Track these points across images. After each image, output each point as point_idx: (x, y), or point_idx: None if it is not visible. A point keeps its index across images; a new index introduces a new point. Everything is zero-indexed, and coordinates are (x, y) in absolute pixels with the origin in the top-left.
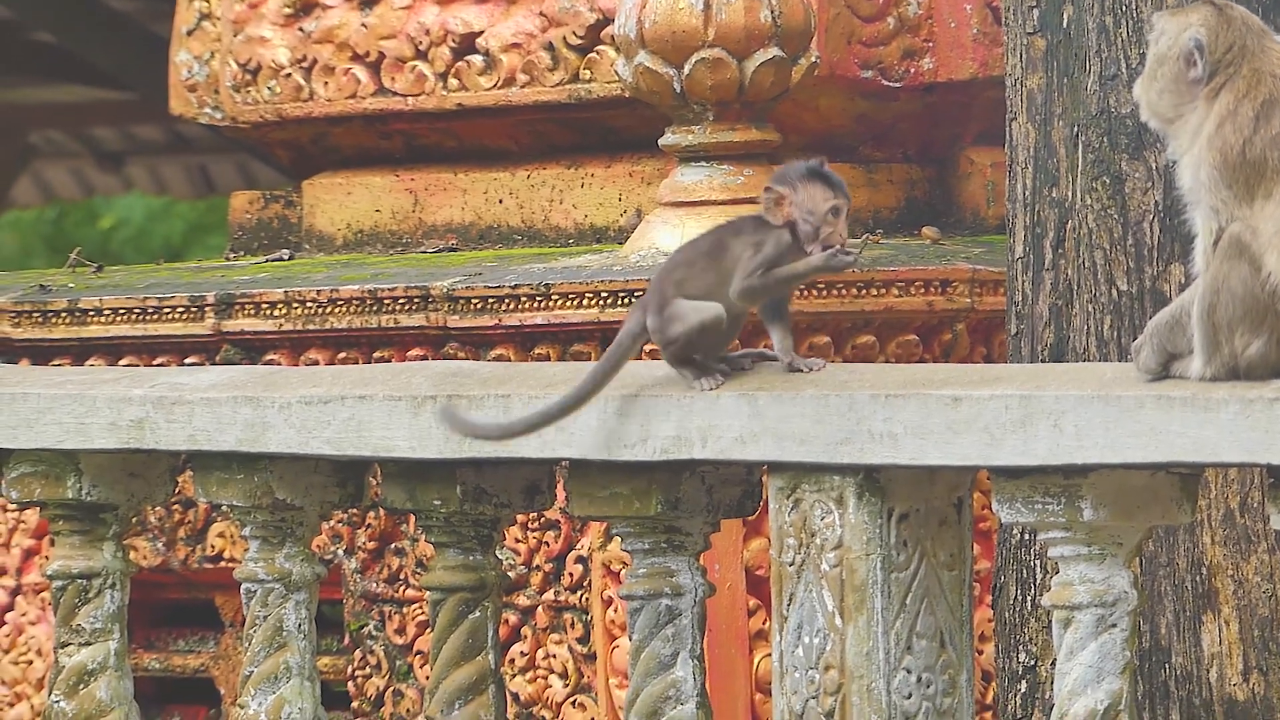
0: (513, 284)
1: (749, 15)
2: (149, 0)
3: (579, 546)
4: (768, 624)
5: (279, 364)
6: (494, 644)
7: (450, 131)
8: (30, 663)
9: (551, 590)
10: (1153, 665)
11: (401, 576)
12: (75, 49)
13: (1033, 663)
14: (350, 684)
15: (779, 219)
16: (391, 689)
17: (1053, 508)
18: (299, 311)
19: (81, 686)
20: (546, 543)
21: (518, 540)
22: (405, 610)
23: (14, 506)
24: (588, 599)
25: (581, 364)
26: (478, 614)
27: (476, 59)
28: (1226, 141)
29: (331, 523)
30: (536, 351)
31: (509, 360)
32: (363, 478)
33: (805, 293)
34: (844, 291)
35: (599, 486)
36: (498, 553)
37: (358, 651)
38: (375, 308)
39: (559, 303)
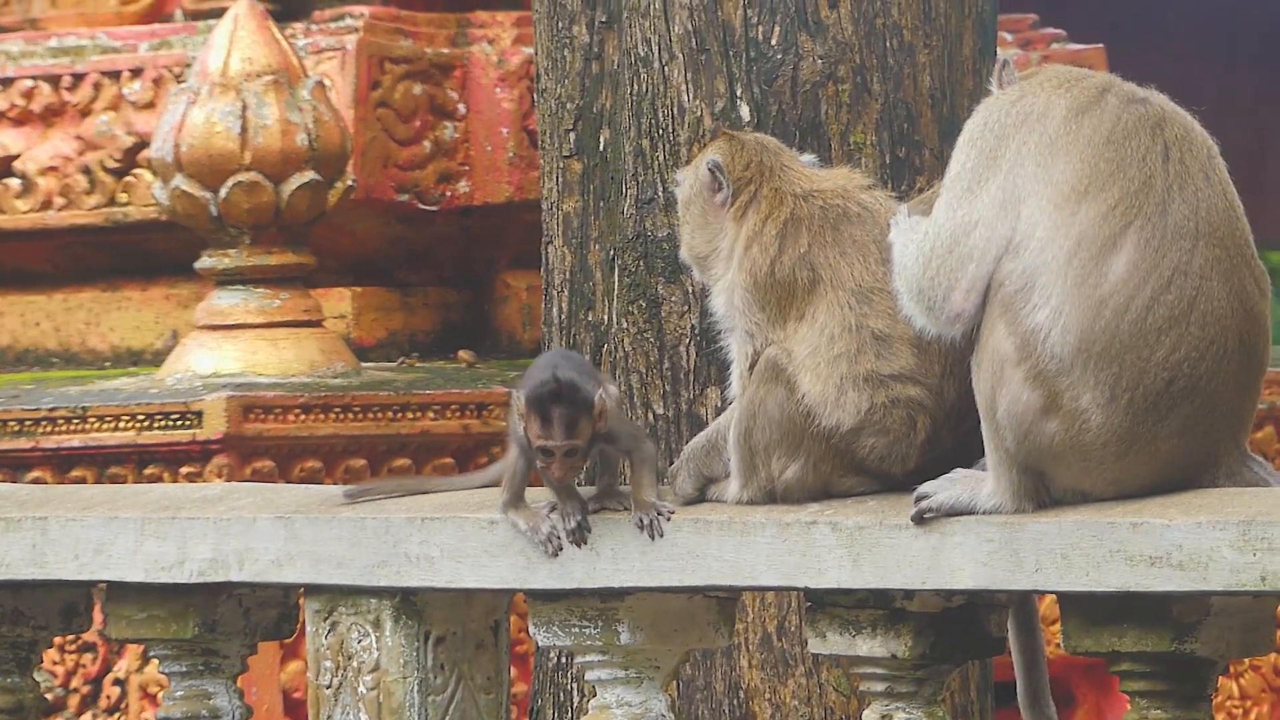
0: (49, 407)
1: (285, 139)
2: None
3: (117, 669)
4: None
5: None
6: None
7: None
8: None
9: (89, 712)
10: None
11: None
12: None
13: None
14: None
15: (519, 427)
16: None
17: (590, 631)
18: None
19: None
20: (84, 664)
21: (55, 662)
22: None
23: None
24: None
25: (119, 486)
26: None
27: (14, 182)
28: (755, 262)
29: None
30: (74, 474)
31: (46, 483)
32: None
33: (341, 415)
34: (380, 415)
35: (137, 608)
36: (36, 675)
37: None
38: None
39: (96, 425)
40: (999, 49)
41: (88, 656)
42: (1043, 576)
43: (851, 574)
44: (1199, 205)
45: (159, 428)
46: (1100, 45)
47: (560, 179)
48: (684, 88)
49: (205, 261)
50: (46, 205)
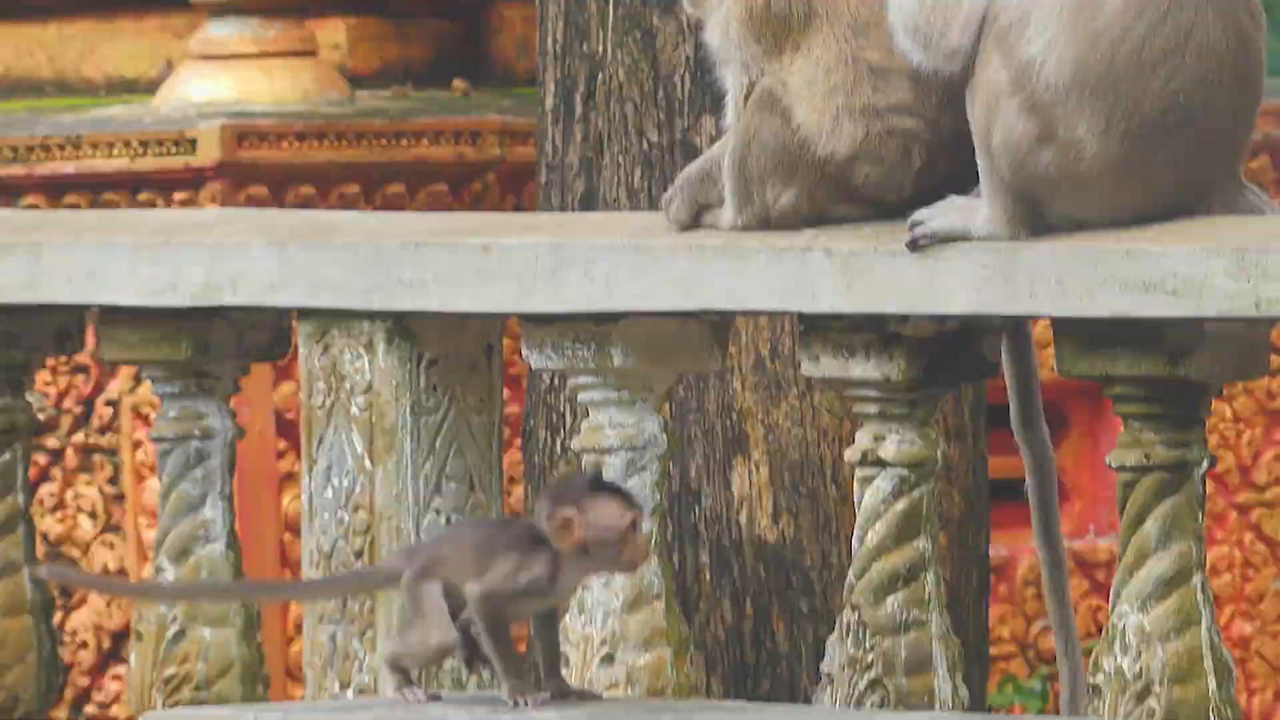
0: (44, 134)
1: None
2: None
3: (109, 389)
4: (297, 466)
5: None
6: (24, 485)
7: None
8: None
9: (81, 432)
10: (683, 508)
11: None
12: None
13: None
14: None
15: (569, 545)
16: None
17: (583, 353)
18: None
19: None
20: (76, 386)
21: (47, 383)
22: None
23: None
24: (117, 441)
25: (113, 211)
26: (8, 456)
27: None
28: None
29: None
30: (68, 200)
31: (40, 209)
32: None
33: (335, 142)
34: (374, 142)
35: (130, 331)
36: (28, 395)
37: None
38: None
39: (90, 152)
40: None
41: (80, 378)
42: (1036, 302)
43: (845, 299)
44: None
45: (153, 155)
46: None
47: None
48: None
49: None
50: None
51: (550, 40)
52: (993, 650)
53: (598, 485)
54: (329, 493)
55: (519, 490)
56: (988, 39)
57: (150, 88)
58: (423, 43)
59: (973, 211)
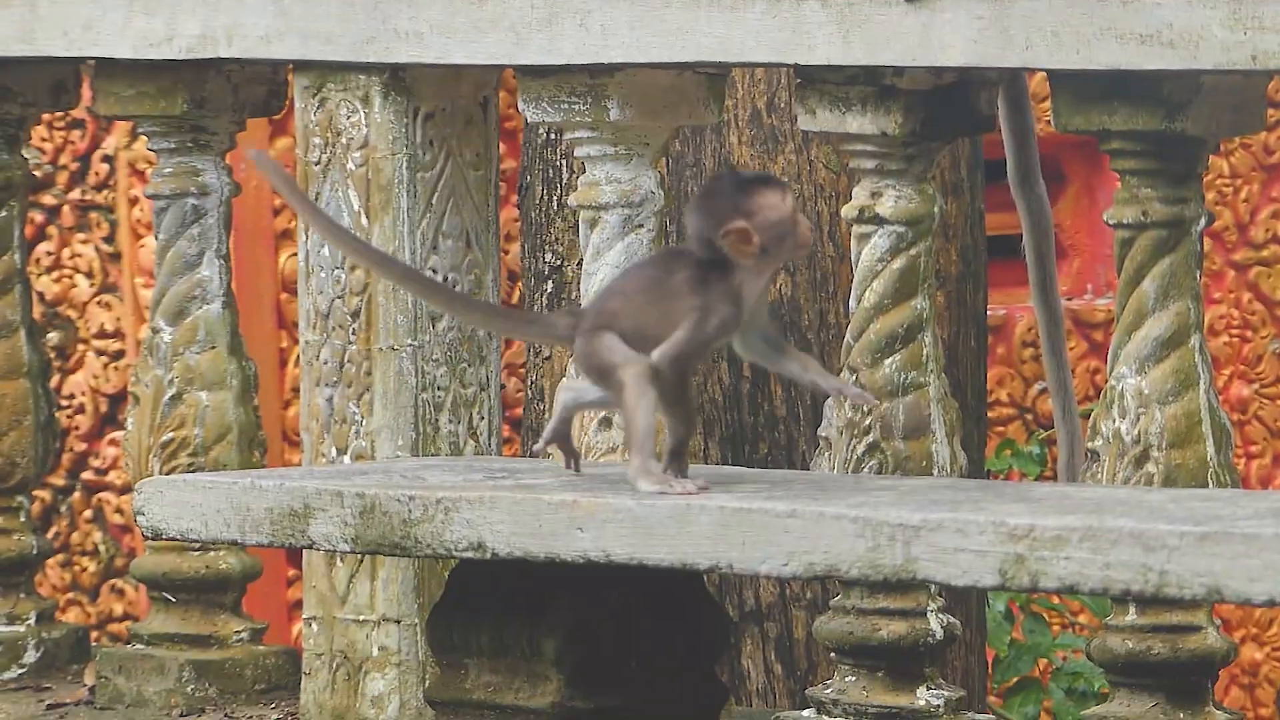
0: None
1: None
2: None
3: (105, 145)
4: (294, 223)
5: None
6: (20, 243)
7: None
8: None
9: (78, 189)
10: None
11: None
12: None
13: (559, 263)
14: None
15: (751, 257)
16: None
17: (579, 107)
18: None
19: None
20: (72, 141)
21: (44, 139)
22: None
23: None
24: (114, 198)
25: None
26: (4, 213)
27: None
28: None
29: None
30: None
31: None
32: None
33: None
34: None
35: (125, 85)
36: (24, 152)
37: None
38: None
39: None
40: None
41: (76, 133)
42: (1032, 54)
43: (842, 50)
44: None
45: None
46: None
47: None
48: None
49: None
50: None
51: None
52: (990, 414)
53: (745, 182)
54: (326, 250)
55: (515, 248)
56: None
57: None
58: None
59: None
